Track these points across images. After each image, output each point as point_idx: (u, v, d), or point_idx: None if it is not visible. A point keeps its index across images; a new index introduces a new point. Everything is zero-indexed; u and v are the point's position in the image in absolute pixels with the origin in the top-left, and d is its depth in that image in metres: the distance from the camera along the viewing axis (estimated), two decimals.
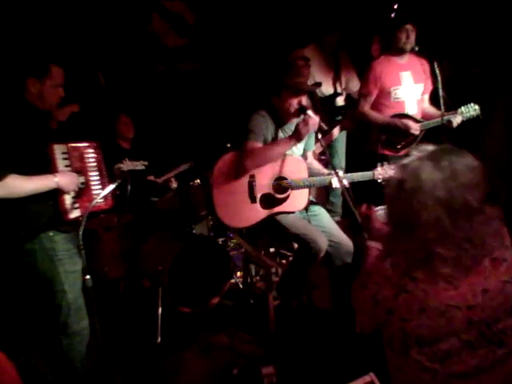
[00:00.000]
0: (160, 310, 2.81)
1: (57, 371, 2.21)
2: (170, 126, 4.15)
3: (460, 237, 1.14)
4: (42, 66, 2.01)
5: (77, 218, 2.06)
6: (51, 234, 2.00)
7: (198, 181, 3.31)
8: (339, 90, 3.80)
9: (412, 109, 3.18)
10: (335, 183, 2.56)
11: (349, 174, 2.61)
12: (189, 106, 4.25)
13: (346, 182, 2.50)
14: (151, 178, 3.47)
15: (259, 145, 2.54)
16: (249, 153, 2.52)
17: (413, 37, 3.03)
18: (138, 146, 3.65)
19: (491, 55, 3.68)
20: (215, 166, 2.59)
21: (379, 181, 2.62)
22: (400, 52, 3.10)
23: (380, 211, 2.72)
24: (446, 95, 3.08)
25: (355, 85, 3.80)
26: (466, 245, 1.14)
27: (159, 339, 2.73)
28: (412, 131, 3.07)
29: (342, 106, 3.87)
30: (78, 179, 2.08)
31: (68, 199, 2.05)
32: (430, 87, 3.23)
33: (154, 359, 2.60)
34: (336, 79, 3.75)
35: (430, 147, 1.22)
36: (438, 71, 2.96)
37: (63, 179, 2.00)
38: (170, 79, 4.32)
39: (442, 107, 3.03)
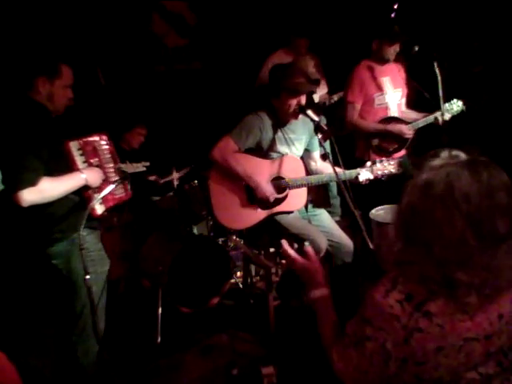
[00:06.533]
0: (160, 310, 2.81)
1: (57, 371, 2.21)
2: (170, 126, 4.15)
3: (482, 264, 0.97)
4: (52, 66, 1.92)
5: (103, 213, 2.04)
6: (84, 233, 1.94)
7: (196, 182, 3.31)
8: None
9: (394, 113, 3.19)
10: (363, 176, 2.57)
11: (347, 172, 2.59)
12: (189, 106, 4.25)
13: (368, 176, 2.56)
14: (152, 177, 3.47)
15: (234, 147, 2.52)
16: (222, 147, 2.51)
17: (398, 49, 3.06)
18: (139, 147, 3.64)
19: (490, 52, 3.66)
20: (212, 167, 2.59)
21: (379, 177, 2.61)
22: (384, 61, 3.12)
23: (381, 211, 2.73)
24: (428, 95, 3.10)
25: (321, 88, 3.84)
26: (487, 274, 0.98)
27: (159, 339, 2.73)
28: (406, 136, 3.09)
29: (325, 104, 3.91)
30: (101, 173, 2.04)
31: (93, 195, 2.00)
32: (406, 91, 3.26)
33: (154, 359, 2.60)
34: None
35: (463, 154, 1.03)
36: (437, 71, 2.96)
37: (90, 175, 1.96)
38: (170, 79, 4.33)
39: (442, 106, 3.03)
